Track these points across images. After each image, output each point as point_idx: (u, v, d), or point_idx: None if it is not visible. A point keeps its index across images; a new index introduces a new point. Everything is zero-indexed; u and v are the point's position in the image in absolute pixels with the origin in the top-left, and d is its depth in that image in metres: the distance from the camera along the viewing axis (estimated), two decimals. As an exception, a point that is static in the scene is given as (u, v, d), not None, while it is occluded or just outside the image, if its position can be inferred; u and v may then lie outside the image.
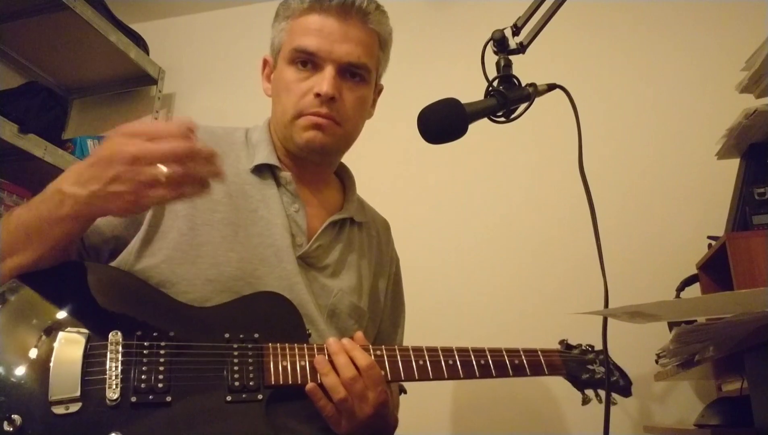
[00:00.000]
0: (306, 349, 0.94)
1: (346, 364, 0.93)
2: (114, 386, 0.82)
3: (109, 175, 0.76)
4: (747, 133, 1.33)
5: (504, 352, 1.06)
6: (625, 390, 1.15)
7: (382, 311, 1.24)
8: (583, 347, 1.17)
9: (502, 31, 0.97)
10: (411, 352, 1.00)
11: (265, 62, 1.17)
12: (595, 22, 2.03)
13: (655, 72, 1.93)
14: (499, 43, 0.97)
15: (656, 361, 1.25)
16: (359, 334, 1.00)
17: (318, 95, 1.03)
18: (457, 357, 1.02)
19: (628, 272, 1.70)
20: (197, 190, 0.79)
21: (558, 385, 1.72)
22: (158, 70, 2.37)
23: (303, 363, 0.93)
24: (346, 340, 0.96)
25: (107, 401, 0.81)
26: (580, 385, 1.12)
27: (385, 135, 2.00)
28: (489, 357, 1.04)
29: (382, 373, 0.96)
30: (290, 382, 0.91)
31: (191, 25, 2.48)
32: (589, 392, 1.12)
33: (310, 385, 0.93)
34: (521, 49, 0.98)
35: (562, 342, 1.17)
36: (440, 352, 1.02)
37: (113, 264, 0.99)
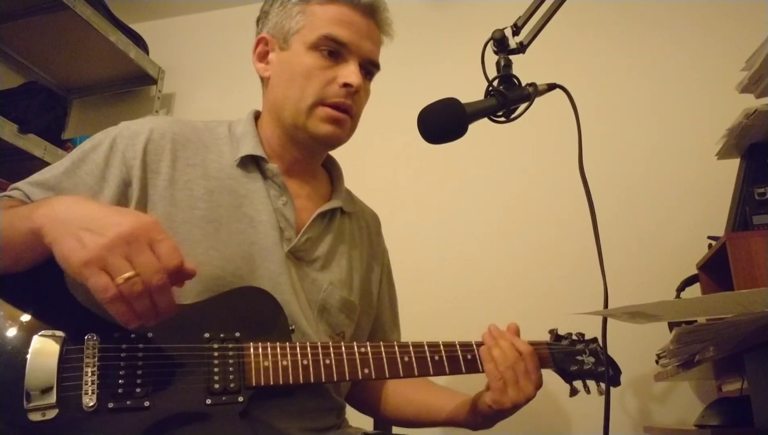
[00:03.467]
0: (288, 348, 0.92)
1: (509, 347, 1.01)
2: (90, 392, 0.80)
3: (94, 228, 0.74)
4: (747, 133, 1.32)
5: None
6: (614, 380, 1.13)
7: (377, 302, 1.23)
8: (573, 337, 1.15)
9: (502, 30, 0.97)
10: (396, 348, 0.99)
11: (262, 41, 1.12)
12: (595, 22, 2.02)
13: (655, 72, 1.93)
14: (499, 42, 0.97)
15: (656, 362, 1.25)
16: (514, 325, 1.07)
17: (347, 85, 1.04)
18: (443, 353, 1.02)
19: (628, 272, 1.70)
20: (129, 312, 0.74)
21: (557, 384, 1.72)
22: (158, 70, 2.37)
23: (285, 363, 0.91)
24: (506, 330, 1.05)
25: (84, 407, 0.79)
26: (568, 377, 1.11)
27: (385, 135, 2.01)
28: (476, 352, 1.03)
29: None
30: (272, 383, 0.90)
31: (191, 25, 2.48)
32: (578, 383, 1.11)
33: (482, 347, 1.02)
34: (521, 48, 0.98)
35: (552, 331, 1.15)
36: (426, 347, 1.01)
37: None
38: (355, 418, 1.22)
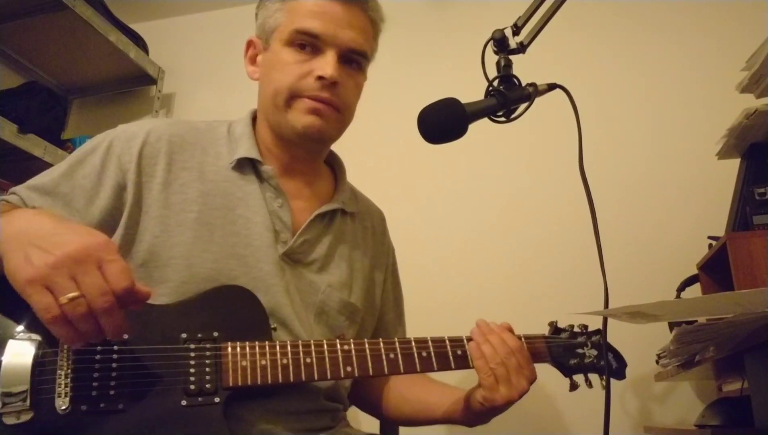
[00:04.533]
0: (267, 347, 0.91)
1: (500, 342, 0.98)
2: (63, 395, 0.80)
3: (44, 245, 0.72)
4: (747, 133, 1.32)
5: None
6: (619, 373, 1.08)
7: (381, 303, 1.21)
8: (574, 329, 1.11)
9: (502, 30, 0.97)
10: (381, 345, 0.97)
11: (251, 44, 1.12)
12: (596, 21, 2.02)
13: (655, 72, 1.93)
14: (500, 42, 0.97)
15: (657, 362, 1.25)
16: (506, 323, 1.03)
17: (321, 78, 1.00)
18: (432, 349, 0.99)
19: (628, 272, 1.70)
20: (72, 333, 0.73)
21: (556, 384, 1.72)
22: (158, 70, 2.37)
23: (264, 362, 0.90)
24: (494, 324, 1.01)
25: (58, 410, 0.80)
26: (567, 371, 1.07)
27: (385, 135, 2.01)
28: (467, 347, 1.00)
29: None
30: (249, 383, 0.88)
31: (191, 25, 2.48)
32: (578, 378, 1.07)
33: (471, 343, 0.98)
34: (521, 48, 0.98)
35: (551, 323, 1.12)
36: (413, 344, 0.99)
37: None
38: (364, 418, 1.21)
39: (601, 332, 1.08)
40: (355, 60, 1.06)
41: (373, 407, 1.22)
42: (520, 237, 1.89)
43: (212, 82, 2.35)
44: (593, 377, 1.08)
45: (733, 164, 1.42)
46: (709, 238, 1.46)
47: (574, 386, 1.06)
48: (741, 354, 0.87)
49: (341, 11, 1.03)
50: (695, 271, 1.50)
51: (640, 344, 1.47)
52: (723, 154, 1.45)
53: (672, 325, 1.23)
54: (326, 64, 1.01)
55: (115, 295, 0.73)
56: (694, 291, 1.52)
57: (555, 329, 1.11)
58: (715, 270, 1.41)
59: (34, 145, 1.89)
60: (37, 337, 0.82)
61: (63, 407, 0.80)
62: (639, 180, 1.85)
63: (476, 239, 1.92)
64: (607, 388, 0.93)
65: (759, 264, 1.18)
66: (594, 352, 1.08)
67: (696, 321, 1.03)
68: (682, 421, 1.63)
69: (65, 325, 0.72)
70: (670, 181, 1.82)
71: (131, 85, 2.41)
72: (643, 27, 1.98)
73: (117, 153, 1.00)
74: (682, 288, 1.52)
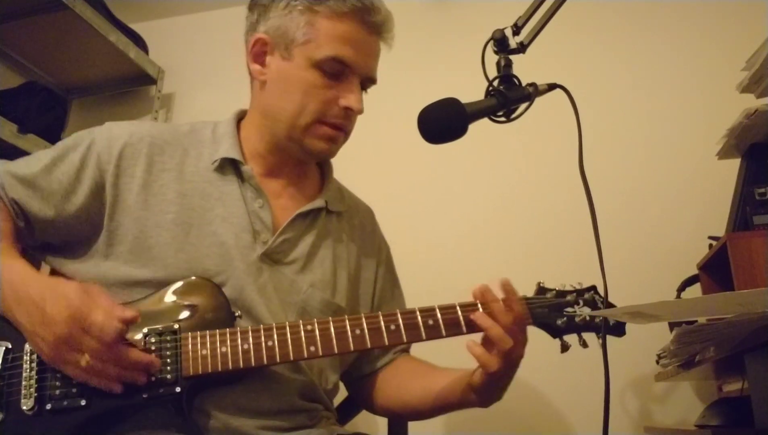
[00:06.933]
0: (228, 334, 0.91)
1: (501, 310, 0.93)
2: (28, 395, 0.85)
3: (40, 332, 0.84)
4: (748, 133, 1.32)
5: (458, 308, 0.98)
6: (618, 329, 1.01)
7: (379, 301, 1.19)
8: (563, 288, 1.03)
9: (502, 30, 0.97)
10: (347, 322, 0.95)
11: (260, 42, 1.06)
12: (596, 21, 2.02)
13: (655, 72, 1.93)
14: (500, 42, 0.97)
15: (657, 362, 1.25)
16: (505, 279, 0.96)
17: (348, 109, 1.03)
18: (401, 321, 0.96)
19: (628, 272, 1.70)
20: (108, 382, 0.85)
21: (557, 383, 1.72)
22: (158, 70, 2.37)
23: (224, 349, 0.90)
24: (486, 288, 0.96)
25: (25, 411, 0.84)
26: (554, 332, 0.99)
27: (385, 135, 2.01)
28: (439, 316, 0.97)
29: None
30: (210, 371, 0.89)
31: (191, 25, 2.48)
32: (570, 338, 0.99)
33: (475, 346, 0.91)
34: (522, 48, 0.99)
35: (538, 284, 1.05)
36: (381, 318, 0.96)
37: (81, 264, 1.00)
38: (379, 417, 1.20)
39: (596, 288, 1.03)
40: (366, 86, 1.09)
41: (377, 406, 1.19)
42: (520, 237, 1.89)
43: (212, 82, 2.35)
44: (588, 336, 1.01)
45: (733, 164, 1.42)
46: (710, 238, 1.46)
47: (564, 347, 0.99)
48: (741, 354, 0.87)
49: (370, 41, 1.05)
50: (695, 271, 1.50)
51: (640, 344, 1.47)
52: (723, 154, 1.45)
53: (672, 325, 1.23)
54: (352, 95, 1.03)
55: (110, 348, 0.83)
56: (695, 291, 1.52)
57: (540, 290, 1.04)
58: (715, 270, 1.41)
59: (34, 145, 1.89)
60: (5, 343, 0.87)
61: (29, 406, 0.84)
62: (639, 180, 1.85)
63: (476, 240, 1.92)
64: (606, 394, 0.89)
65: (759, 264, 1.18)
66: (586, 310, 1.00)
67: (696, 321, 1.03)
68: (682, 421, 1.63)
69: (98, 379, 0.85)
70: (670, 181, 1.82)
71: (131, 85, 2.41)
72: (643, 27, 1.98)
73: (97, 152, 1.02)
74: (682, 288, 1.52)
